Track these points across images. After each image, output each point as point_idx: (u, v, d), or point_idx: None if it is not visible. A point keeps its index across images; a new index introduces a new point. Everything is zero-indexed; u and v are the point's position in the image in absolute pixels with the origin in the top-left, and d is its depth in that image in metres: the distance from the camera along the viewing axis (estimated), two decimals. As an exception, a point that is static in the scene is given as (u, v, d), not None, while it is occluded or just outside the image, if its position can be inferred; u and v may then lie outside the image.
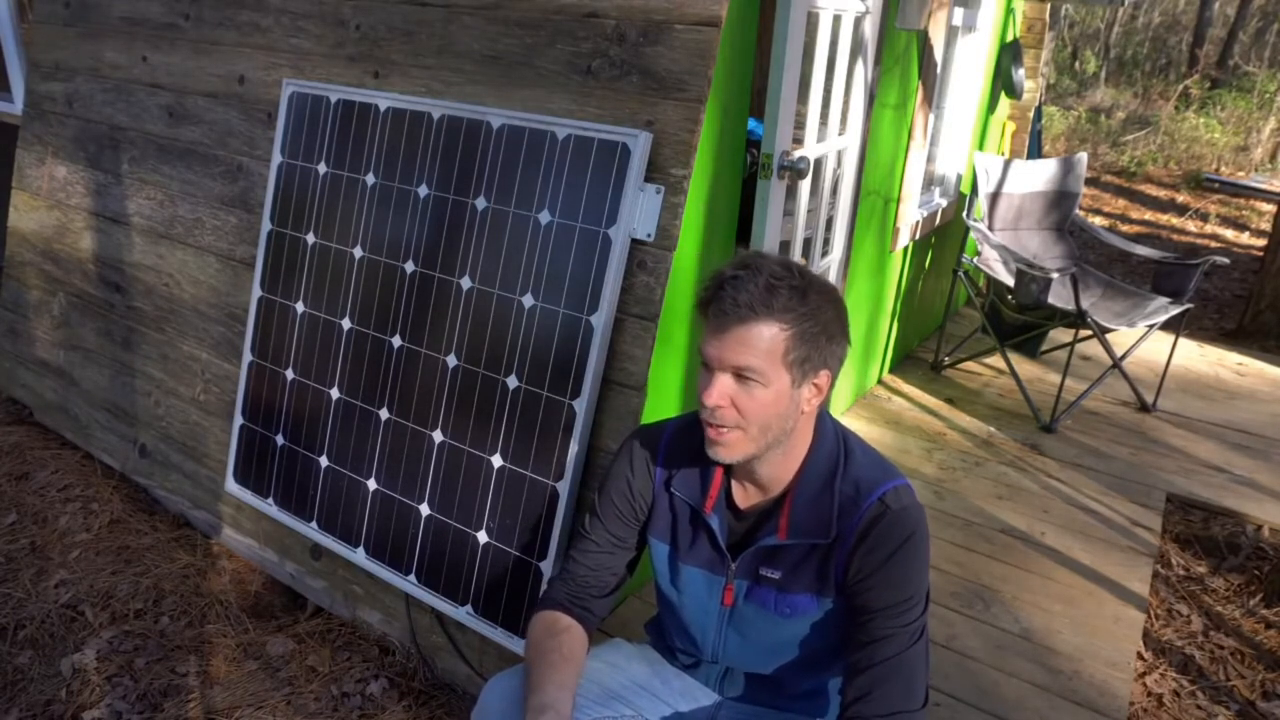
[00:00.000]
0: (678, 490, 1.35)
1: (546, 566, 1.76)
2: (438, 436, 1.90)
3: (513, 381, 1.79)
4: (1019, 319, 3.70)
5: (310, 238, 2.09)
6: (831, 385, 1.25)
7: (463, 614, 1.88)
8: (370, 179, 1.99)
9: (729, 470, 1.33)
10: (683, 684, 1.47)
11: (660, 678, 1.47)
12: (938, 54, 3.41)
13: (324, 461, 2.09)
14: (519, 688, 1.31)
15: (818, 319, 1.18)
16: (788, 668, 1.37)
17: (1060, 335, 4.19)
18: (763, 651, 1.36)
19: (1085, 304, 3.54)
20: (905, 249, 3.75)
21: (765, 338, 1.15)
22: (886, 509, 1.23)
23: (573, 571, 1.42)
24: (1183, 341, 4.45)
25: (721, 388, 1.18)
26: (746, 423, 1.19)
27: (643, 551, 1.47)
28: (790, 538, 1.27)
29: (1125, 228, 7.75)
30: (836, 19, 2.45)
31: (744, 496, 1.33)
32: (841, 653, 1.35)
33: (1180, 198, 8.70)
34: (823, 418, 1.31)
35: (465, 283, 1.85)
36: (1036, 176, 4.15)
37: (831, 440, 1.30)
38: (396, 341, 1.96)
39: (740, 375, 1.17)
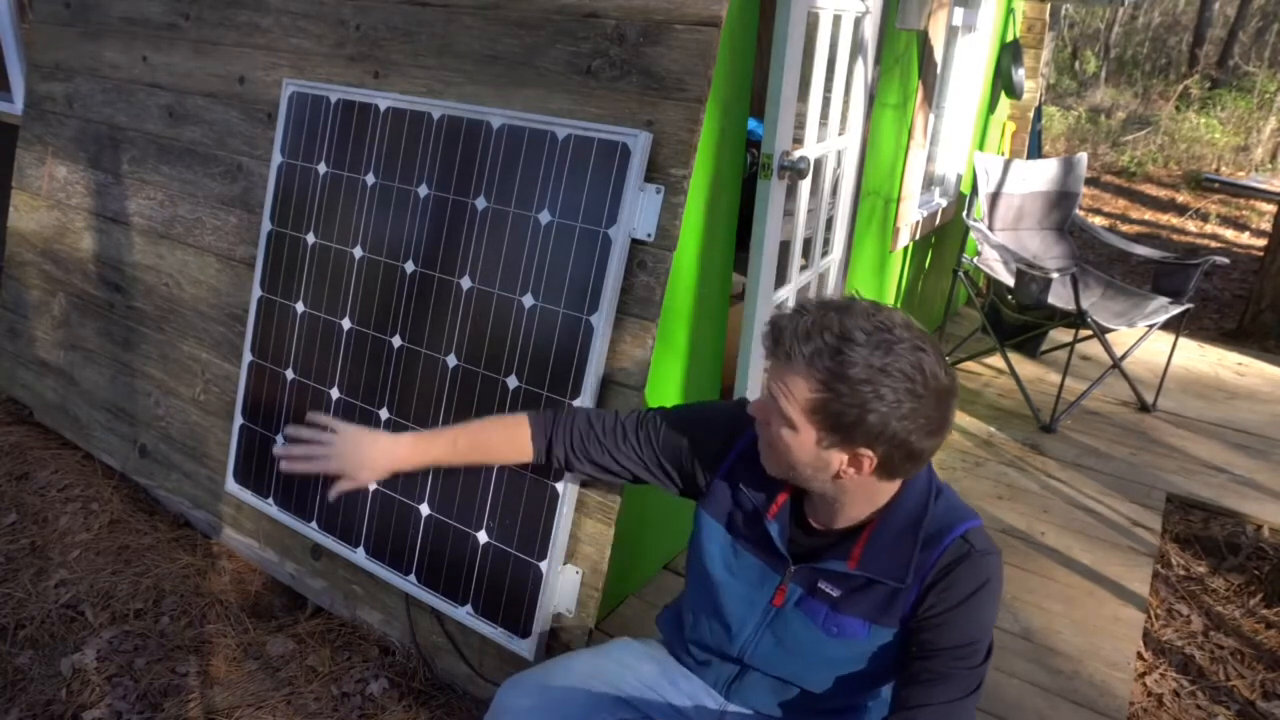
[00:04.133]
0: (745, 486, 1.33)
1: (546, 566, 1.76)
2: (438, 436, 1.89)
3: (513, 381, 1.79)
4: (1019, 319, 3.70)
5: (310, 238, 2.09)
6: (892, 465, 1.14)
7: (462, 614, 1.88)
8: (370, 179, 1.99)
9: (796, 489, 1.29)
10: (690, 686, 1.45)
11: (669, 679, 1.45)
12: (938, 54, 3.41)
13: (324, 461, 2.08)
14: (539, 692, 1.31)
15: (864, 401, 1.08)
16: (819, 683, 1.32)
17: (1060, 335, 4.19)
18: (795, 663, 1.31)
19: (1085, 304, 3.54)
20: (905, 249, 3.75)
21: (795, 386, 1.12)
22: (971, 549, 1.19)
23: (580, 423, 1.47)
24: (1183, 341, 4.45)
25: (763, 402, 1.18)
26: (770, 447, 1.20)
27: (626, 481, 1.50)
28: (861, 570, 1.22)
29: (1125, 228, 7.75)
30: (836, 19, 2.45)
31: (816, 517, 1.28)
32: (879, 679, 1.31)
33: (1180, 198, 8.70)
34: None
35: (465, 283, 1.85)
36: (1037, 176, 4.15)
37: (924, 487, 1.24)
38: (396, 341, 1.96)
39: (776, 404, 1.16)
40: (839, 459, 1.14)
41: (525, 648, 1.80)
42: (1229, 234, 7.64)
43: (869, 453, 1.12)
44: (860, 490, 1.20)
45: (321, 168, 2.07)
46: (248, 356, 2.22)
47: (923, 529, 1.21)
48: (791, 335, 1.11)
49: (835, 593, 1.25)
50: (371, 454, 1.53)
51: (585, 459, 1.48)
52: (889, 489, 1.22)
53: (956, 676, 1.17)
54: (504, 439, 1.51)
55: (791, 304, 1.18)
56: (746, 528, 1.33)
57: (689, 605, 1.45)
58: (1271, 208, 8.09)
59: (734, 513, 1.35)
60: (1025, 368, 4.08)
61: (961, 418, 3.57)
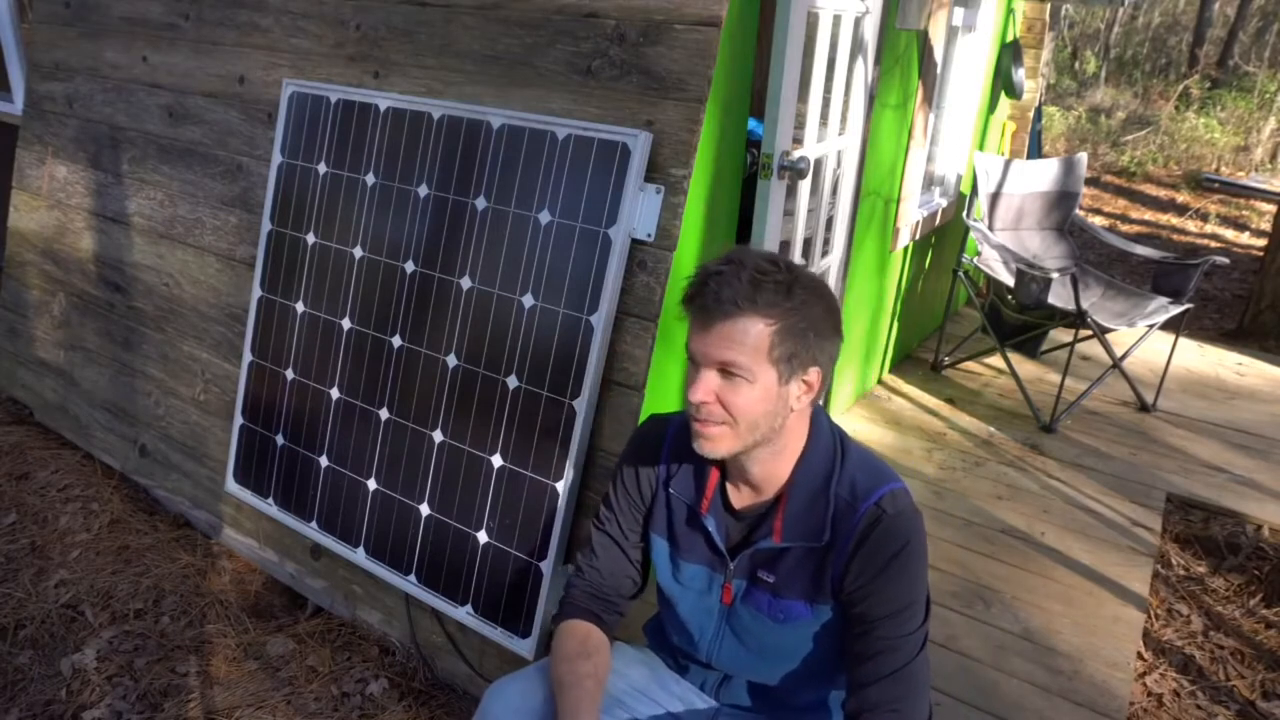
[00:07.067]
0: (675, 489, 1.35)
1: (546, 566, 1.76)
2: (438, 436, 1.90)
3: (513, 381, 1.79)
4: (1019, 319, 3.70)
5: (310, 238, 2.09)
6: (824, 382, 1.23)
7: (463, 614, 1.88)
8: (370, 179, 1.99)
9: (724, 471, 1.32)
10: (681, 688, 1.46)
11: (659, 682, 1.47)
12: (938, 54, 3.41)
13: (324, 461, 2.09)
14: (525, 696, 1.31)
15: (805, 314, 1.16)
16: (786, 678, 1.35)
17: (1060, 335, 4.19)
18: (758, 658, 1.35)
19: (1085, 304, 3.54)
20: (905, 249, 3.75)
21: (750, 333, 1.14)
22: (883, 514, 1.21)
23: (591, 575, 1.42)
24: (1183, 341, 4.45)
25: (707, 384, 1.17)
26: (733, 419, 1.18)
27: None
28: (785, 540, 1.25)
29: (1125, 228, 7.75)
30: (836, 19, 2.45)
31: (739, 497, 1.32)
32: (842, 665, 1.34)
33: (1180, 198, 8.70)
34: (818, 416, 1.30)
35: (465, 283, 1.85)
36: (1037, 177, 4.15)
37: (827, 441, 1.28)
38: (396, 341, 1.96)
39: (726, 371, 1.16)
40: (795, 391, 1.20)
41: (525, 648, 1.80)
42: (1229, 234, 7.64)
43: (815, 368, 1.20)
44: (795, 429, 1.25)
45: (321, 168, 2.07)
46: (248, 356, 2.22)
47: (834, 487, 1.24)
48: (728, 289, 1.13)
49: (772, 579, 1.28)
50: None
51: (624, 590, 1.43)
52: (805, 424, 1.27)
53: (898, 646, 1.19)
54: (605, 667, 1.34)
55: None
56: (686, 532, 1.35)
57: (661, 616, 1.49)
58: (1271, 208, 8.09)
59: (673, 522, 1.37)
60: (1025, 368, 4.08)
61: (961, 418, 3.57)
